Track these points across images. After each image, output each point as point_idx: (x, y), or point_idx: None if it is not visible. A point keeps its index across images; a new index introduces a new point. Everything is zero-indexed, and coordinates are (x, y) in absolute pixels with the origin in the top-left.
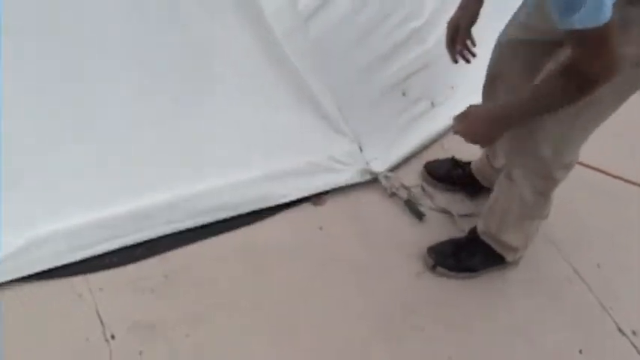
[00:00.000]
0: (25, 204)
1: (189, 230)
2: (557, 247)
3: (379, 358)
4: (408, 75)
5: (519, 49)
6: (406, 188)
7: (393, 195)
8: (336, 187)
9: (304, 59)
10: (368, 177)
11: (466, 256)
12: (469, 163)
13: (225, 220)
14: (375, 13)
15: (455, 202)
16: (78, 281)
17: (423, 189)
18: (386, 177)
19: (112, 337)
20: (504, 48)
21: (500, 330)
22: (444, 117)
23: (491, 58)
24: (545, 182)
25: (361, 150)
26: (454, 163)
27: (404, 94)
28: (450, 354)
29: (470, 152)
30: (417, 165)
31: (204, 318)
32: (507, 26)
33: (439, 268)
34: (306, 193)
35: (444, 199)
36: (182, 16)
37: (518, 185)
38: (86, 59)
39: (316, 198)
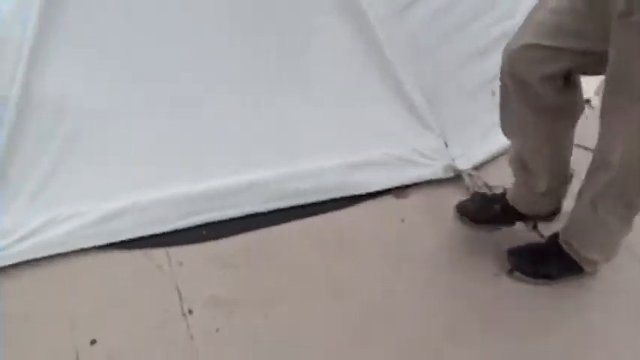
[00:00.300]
0: (108, 175)
1: (272, 212)
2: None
3: (451, 357)
4: (498, 74)
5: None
6: (489, 188)
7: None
8: (420, 181)
9: (396, 50)
10: (451, 174)
11: (544, 263)
12: (502, 195)
13: (308, 205)
14: (469, 10)
15: None
16: (158, 254)
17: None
18: (470, 175)
19: (190, 311)
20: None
21: (575, 339)
22: None
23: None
24: (632, 210)
25: (447, 146)
26: (484, 199)
27: (493, 94)
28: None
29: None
30: (502, 165)
31: (284, 300)
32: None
33: (516, 273)
34: (389, 185)
35: None
36: (278, 3)
37: (603, 216)
38: (186, 51)
39: (399, 191)
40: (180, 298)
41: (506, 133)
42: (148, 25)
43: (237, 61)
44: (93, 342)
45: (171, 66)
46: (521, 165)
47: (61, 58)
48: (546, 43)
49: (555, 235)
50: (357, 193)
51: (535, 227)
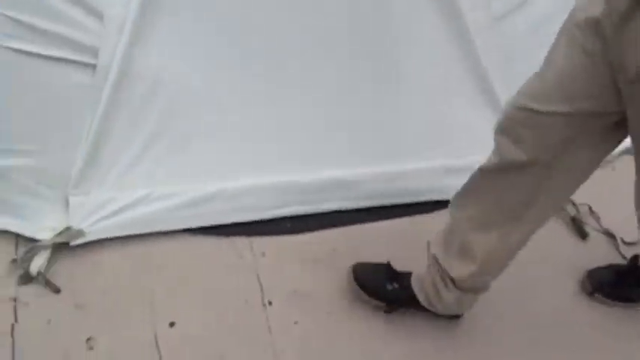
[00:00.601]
0: (200, 158)
1: (358, 210)
2: None
3: None
4: None
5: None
6: (574, 205)
7: (560, 210)
8: None
9: (492, 56)
10: None
11: (627, 286)
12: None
13: (396, 206)
14: None
15: (622, 226)
16: (242, 242)
17: (591, 208)
18: None
19: (270, 302)
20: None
21: None
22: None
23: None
24: None
25: None
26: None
27: None
28: None
29: None
30: (589, 182)
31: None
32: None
33: (597, 295)
34: None
35: (611, 221)
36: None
37: None
38: (289, 42)
39: None
40: (261, 288)
41: None
42: (255, 9)
43: (338, 57)
44: (172, 324)
45: (274, 54)
46: None
47: (161, 35)
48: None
49: (636, 258)
50: (446, 198)
51: None
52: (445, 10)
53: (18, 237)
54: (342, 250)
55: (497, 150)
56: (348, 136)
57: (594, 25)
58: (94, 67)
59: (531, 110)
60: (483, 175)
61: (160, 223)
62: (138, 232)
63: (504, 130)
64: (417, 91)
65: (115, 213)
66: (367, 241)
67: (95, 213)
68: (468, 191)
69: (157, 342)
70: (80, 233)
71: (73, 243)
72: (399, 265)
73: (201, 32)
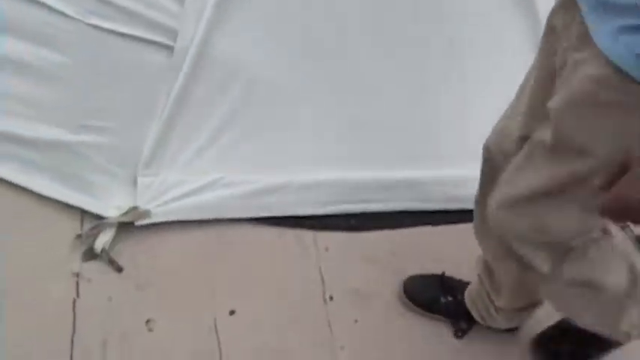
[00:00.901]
0: (271, 147)
1: (421, 212)
2: None
3: None
4: None
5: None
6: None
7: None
8: None
9: None
10: None
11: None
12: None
13: (457, 211)
14: None
15: None
16: (306, 236)
17: None
18: None
19: (331, 298)
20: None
21: None
22: None
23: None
24: None
25: None
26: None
27: None
28: None
29: None
30: None
31: None
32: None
33: None
34: None
35: None
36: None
37: None
38: (362, 38)
39: None
40: (323, 283)
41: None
42: (332, 5)
43: (412, 59)
44: (232, 312)
45: (351, 51)
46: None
47: (240, 23)
48: None
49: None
50: None
51: None
52: (522, 14)
53: (84, 213)
54: (401, 251)
55: None
56: (419, 136)
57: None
58: (172, 49)
59: None
60: None
61: (226, 210)
62: (204, 217)
63: None
64: (487, 90)
65: (182, 196)
66: (428, 244)
67: (163, 195)
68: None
69: (216, 329)
70: (146, 214)
71: (138, 223)
72: (459, 274)
73: (280, 23)
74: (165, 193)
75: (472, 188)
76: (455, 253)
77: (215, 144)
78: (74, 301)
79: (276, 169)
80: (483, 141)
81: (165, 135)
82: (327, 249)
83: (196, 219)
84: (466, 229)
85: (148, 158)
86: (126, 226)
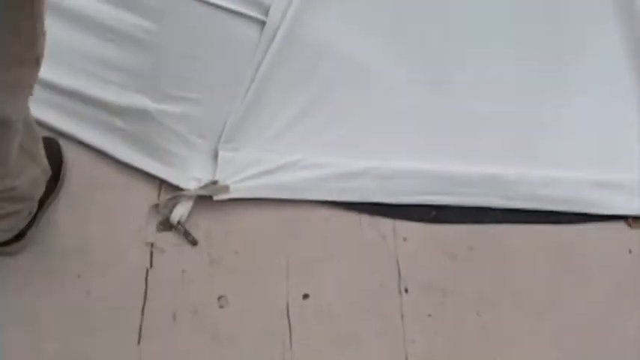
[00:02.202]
0: (355, 133)
1: (500, 209)
2: None
3: None
4: None
5: None
6: None
7: None
8: None
9: None
10: None
11: None
12: None
13: (535, 211)
14: None
15: None
16: (385, 224)
17: None
18: None
19: (406, 290)
20: None
21: None
22: None
23: None
24: None
25: None
26: None
27: None
28: None
29: None
30: None
31: (499, 303)
32: None
33: None
34: (625, 212)
35: None
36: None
37: None
38: (463, 30)
39: (634, 219)
40: (399, 274)
41: None
42: None
43: (511, 53)
44: (305, 296)
45: (448, 40)
46: None
47: (333, 4)
48: None
49: None
50: (590, 211)
51: None
52: (622, 10)
53: (162, 183)
54: (480, 248)
55: None
56: (508, 133)
57: None
58: (263, 23)
59: None
60: None
61: (305, 191)
62: (282, 197)
63: None
64: (585, 97)
65: (262, 174)
66: (506, 243)
67: (243, 171)
68: None
69: (288, 311)
70: (225, 189)
71: (216, 198)
72: (534, 275)
73: (376, 6)
74: (245, 170)
75: (559, 190)
76: (532, 252)
77: (298, 124)
78: (147, 271)
79: (357, 155)
80: (578, 146)
81: (249, 111)
82: (405, 239)
83: (274, 198)
84: (546, 230)
85: (231, 133)
86: (203, 200)
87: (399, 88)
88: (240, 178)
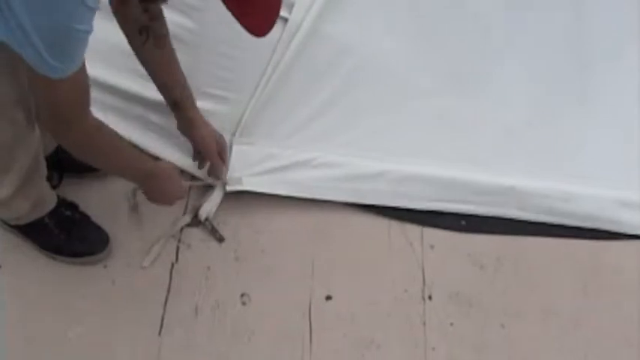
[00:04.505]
0: (372, 134)
1: (529, 222)
2: None
3: None
4: None
5: None
6: None
7: None
8: None
9: None
10: None
11: None
12: None
13: (563, 225)
14: None
15: None
16: (413, 230)
17: None
18: None
19: (430, 297)
20: None
21: None
22: None
23: None
24: None
25: None
26: None
27: None
28: None
29: None
30: None
31: (524, 316)
32: None
33: None
34: None
35: None
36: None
37: None
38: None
39: None
40: (424, 281)
41: None
42: None
43: (540, 65)
44: (328, 298)
45: (472, 44)
46: None
47: (356, 3)
48: None
49: None
50: (617, 230)
51: None
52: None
53: (192, 178)
54: (507, 259)
55: None
56: (529, 144)
57: None
58: (285, 20)
59: None
60: None
61: (318, 189)
62: (294, 194)
63: None
64: (615, 116)
65: (275, 170)
66: (534, 256)
67: (256, 165)
68: None
69: (310, 312)
70: (237, 181)
71: (229, 189)
72: (561, 291)
73: (400, 7)
74: (259, 164)
75: (579, 205)
76: (561, 266)
77: (316, 122)
78: (172, 266)
79: (373, 157)
80: (600, 162)
81: (265, 106)
82: (432, 247)
83: (294, 196)
84: (576, 245)
85: (246, 126)
86: (232, 198)
87: (419, 91)
88: (253, 171)
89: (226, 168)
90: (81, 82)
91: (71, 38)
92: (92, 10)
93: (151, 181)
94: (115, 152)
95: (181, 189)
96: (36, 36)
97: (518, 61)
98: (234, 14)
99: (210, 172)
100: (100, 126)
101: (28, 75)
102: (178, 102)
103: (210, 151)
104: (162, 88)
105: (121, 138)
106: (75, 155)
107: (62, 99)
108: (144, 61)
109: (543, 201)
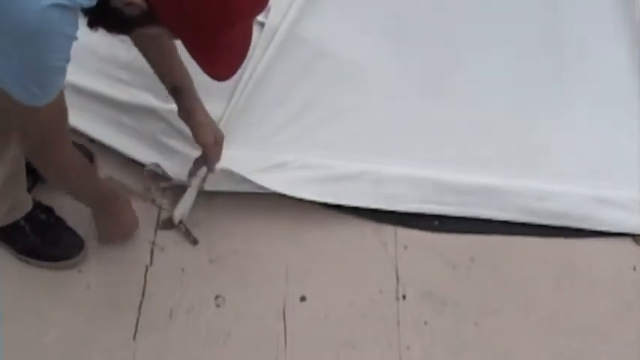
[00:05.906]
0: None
1: (502, 222)
2: None
3: None
4: None
5: None
6: None
7: None
8: None
9: None
10: None
11: None
12: None
13: (537, 225)
14: None
15: None
16: (387, 231)
17: None
18: None
19: (404, 297)
20: None
21: None
22: None
23: None
24: None
25: None
26: None
27: None
28: None
29: None
30: None
31: (497, 313)
32: None
33: None
34: (628, 230)
35: None
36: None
37: None
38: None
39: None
40: (398, 281)
41: None
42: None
43: (515, 61)
44: (302, 298)
45: (449, 44)
46: None
47: (332, 6)
48: None
49: None
50: (593, 228)
51: None
52: (627, 22)
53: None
54: (480, 259)
55: None
56: (511, 145)
57: None
58: (262, 25)
59: None
60: None
61: (297, 190)
62: (272, 189)
63: None
64: (592, 115)
65: (254, 172)
66: (506, 254)
67: (231, 167)
68: None
69: (284, 313)
70: (215, 181)
71: (206, 188)
72: (537, 290)
73: (375, 10)
74: (237, 167)
75: (554, 203)
76: (534, 265)
77: (294, 125)
78: (147, 268)
79: (351, 158)
80: (578, 160)
81: (244, 109)
82: (405, 247)
83: (264, 192)
84: (550, 243)
85: (225, 130)
86: (205, 200)
87: (396, 92)
88: (233, 174)
89: (218, 160)
90: (60, 104)
91: (51, 68)
92: (71, 39)
93: (111, 205)
94: (86, 175)
95: (135, 220)
96: (17, 69)
97: (494, 63)
98: (198, 63)
99: (202, 160)
100: (74, 149)
101: (6, 101)
102: (178, 89)
103: (207, 141)
104: (162, 76)
105: (86, 161)
106: (50, 179)
107: (43, 124)
108: (143, 50)
109: (519, 200)
